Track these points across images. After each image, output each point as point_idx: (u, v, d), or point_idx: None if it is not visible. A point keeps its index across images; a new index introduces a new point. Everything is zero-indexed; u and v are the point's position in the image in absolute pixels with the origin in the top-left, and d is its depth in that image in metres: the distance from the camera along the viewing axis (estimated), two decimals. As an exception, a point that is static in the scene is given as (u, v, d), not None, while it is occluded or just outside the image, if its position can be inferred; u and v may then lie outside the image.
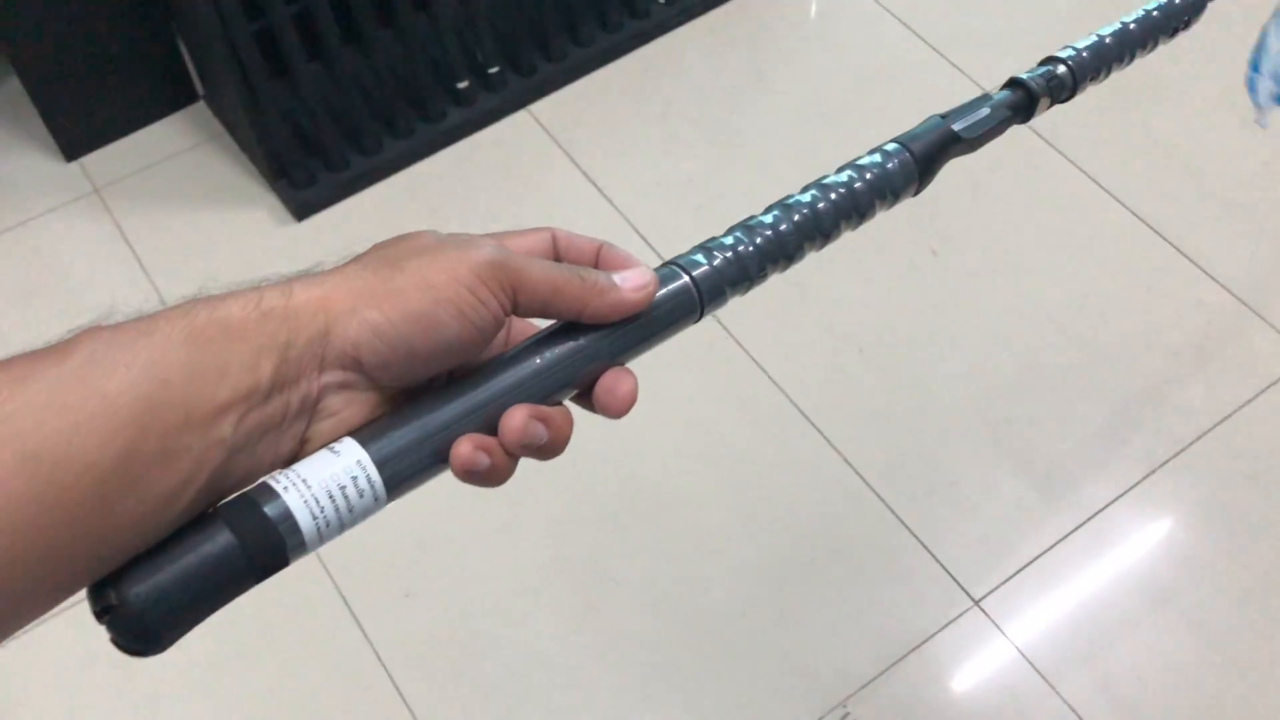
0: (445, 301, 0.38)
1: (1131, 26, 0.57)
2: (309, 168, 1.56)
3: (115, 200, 1.59)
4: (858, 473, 1.32)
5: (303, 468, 0.38)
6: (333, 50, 1.48)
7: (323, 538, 0.37)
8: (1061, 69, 0.54)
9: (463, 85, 1.61)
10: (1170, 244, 1.50)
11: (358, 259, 0.41)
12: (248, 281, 0.39)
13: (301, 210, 1.56)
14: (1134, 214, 1.53)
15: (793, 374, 1.39)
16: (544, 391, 0.41)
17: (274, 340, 0.36)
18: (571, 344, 0.42)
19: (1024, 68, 0.55)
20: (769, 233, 0.46)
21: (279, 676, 1.20)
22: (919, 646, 1.21)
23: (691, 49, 1.74)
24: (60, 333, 0.36)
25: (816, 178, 0.49)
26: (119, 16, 1.54)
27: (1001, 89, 0.54)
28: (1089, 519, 1.28)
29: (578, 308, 0.41)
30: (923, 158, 0.49)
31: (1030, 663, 1.19)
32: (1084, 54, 0.55)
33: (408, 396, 0.41)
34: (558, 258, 0.44)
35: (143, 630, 0.35)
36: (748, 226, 0.46)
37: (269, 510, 0.36)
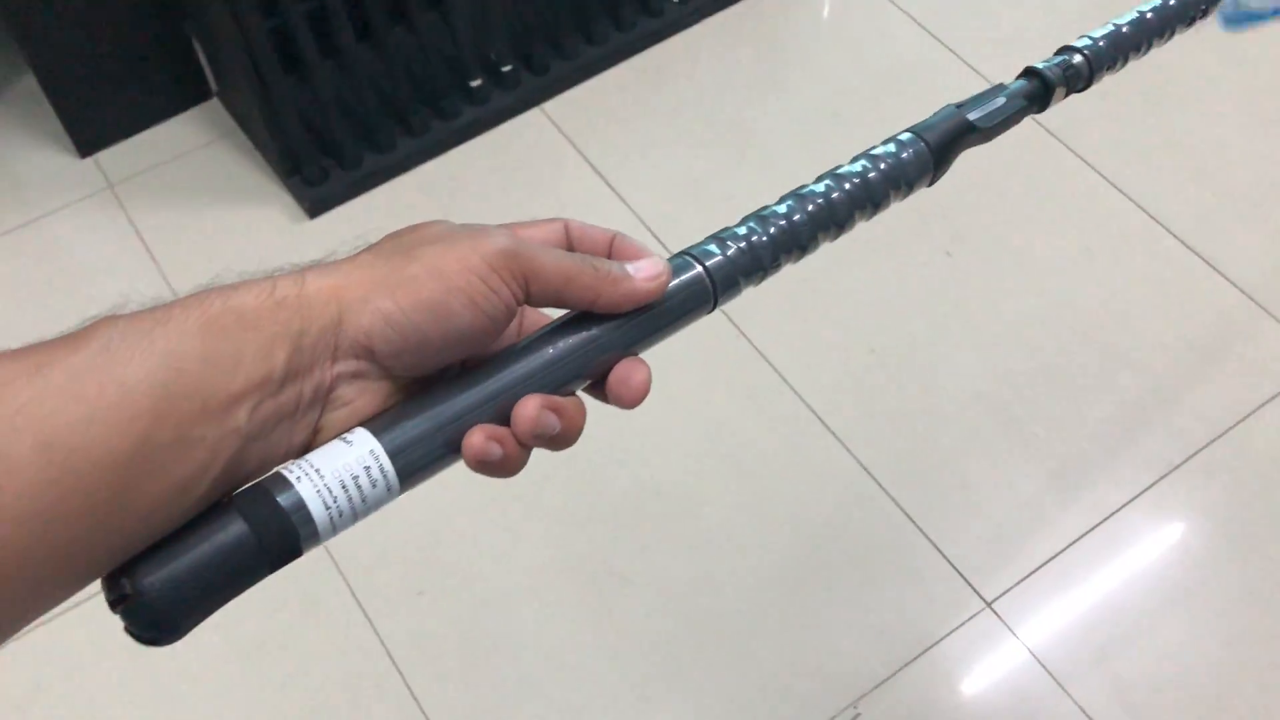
0: (457, 290, 0.38)
1: (1149, 15, 0.56)
2: (322, 165, 1.56)
3: (129, 197, 1.60)
4: (869, 473, 1.31)
5: (316, 457, 0.37)
6: (347, 48, 1.48)
7: (336, 528, 0.37)
8: (1078, 58, 0.54)
9: (476, 83, 1.61)
10: (1185, 245, 1.49)
11: (371, 248, 0.41)
12: (261, 273, 0.39)
13: (315, 207, 1.56)
14: (1149, 215, 1.52)
15: (805, 374, 1.39)
16: (557, 381, 0.41)
17: (287, 329, 0.36)
18: (584, 334, 0.42)
19: (1039, 65, 0.54)
20: (783, 222, 0.46)
21: (291, 674, 1.20)
22: (930, 648, 1.20)
23: (705, 48, 1.74)
24: (73, 328, 0.36)
25: (830, 168, 0.48)
26: (133, 14, 1.55)
27: (1017, 78, 0.53)
28: (1102, 521, 1.28)
29: (591, 297, 0.41)
30: (938, 147, 0.49)
31: (1042, 665, 1.19)
32: (1100, 43, 0.54)
33: (420, 386, 0.41)
34: (571, 248, 0.44)
35: (157, 620, 0.35)
36: (761, 216, 0.46)
37: (282, 500, 0.36)
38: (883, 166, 0.48)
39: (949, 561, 1.25)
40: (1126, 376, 1.39)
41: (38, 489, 0.32)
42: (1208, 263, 1.47)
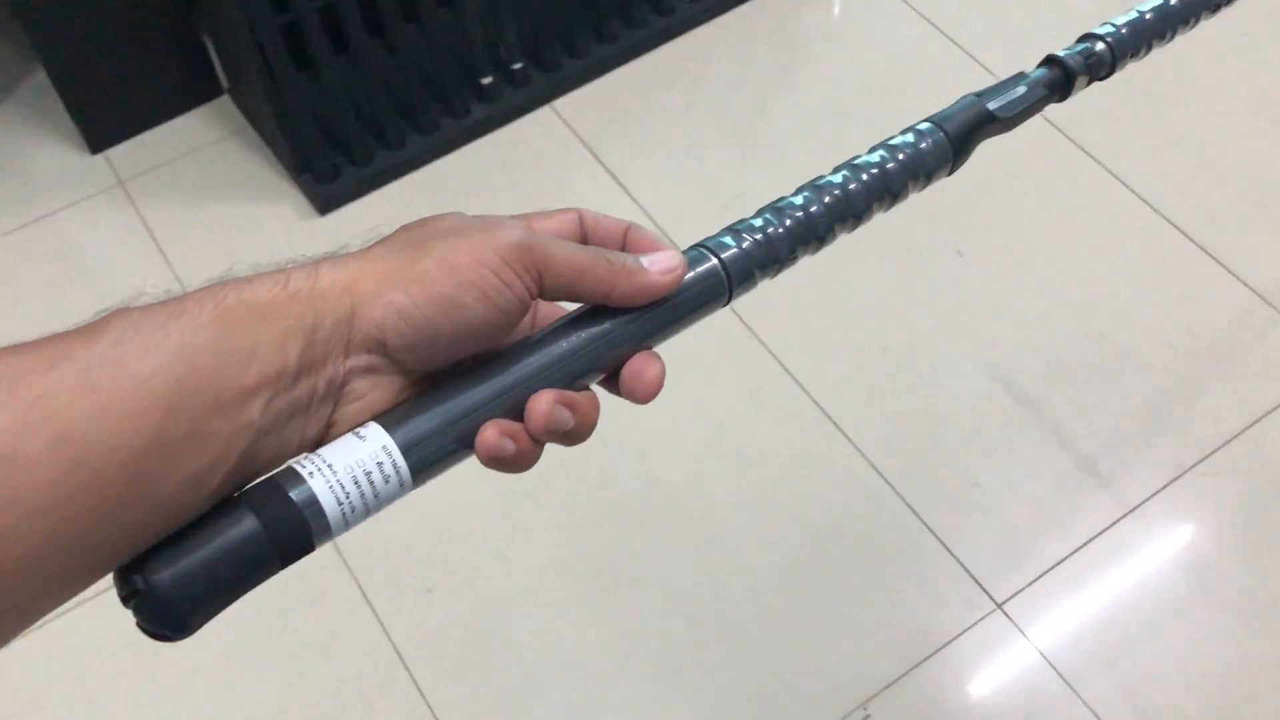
0: (469, 284, 0.38)
1: (1173, 1, 0.55)
2: (333, 162, 1.56)
3: (140, 193, 1.60)
4: (880, 473, 1.31)
5: (328, 452, 0.37)
6: (358, 45, 1.48)
7: (348, 523, 0.37)
8: (1100, 46, 0.52)
9: (487, 81, 1.61)
10: (1198, 245, 1.48)
11: (384, 241, 0.40)
12: (273, 266, 0.38)
13: (325, 204, 1.56)
14: (1161, 215, 1.52)
15: (815, 373, 1.39)
16: (570, 376, 0.41)
17: (301, 322, 0.36)
18: (598, 328, 0.41)
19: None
20: (799, 214, 0.45)
21: (298, 671, 1.20)
22: (940, 649, 1.20)
23: (715, 46, 1.73)
24: (87, 321, 0.35)
25: (848, 158, 0.48)
26: (144, 10, 1.55)
27: (1038, 67, 0.52)
28: (1114, 523, 1.27)
29: (605, 290, 0.41)
30: (957, 137, 0.48)
31: (1052, 666, 1.18)
32: (1123, 30, 0.53)
33: (433, 380, 0.40)
34: (584, 239, 0.44)
35: (168, 615, 0.35)
36: (777, 208, 0.45)
37: (294, 495, 0.36)
38: (901, 157, 0.47)
39: (959, 562, 1.25)
40: (1138, 377, 1.38)
41: (52, 482, 0.32)
42: (1219, 262, 1.46)
